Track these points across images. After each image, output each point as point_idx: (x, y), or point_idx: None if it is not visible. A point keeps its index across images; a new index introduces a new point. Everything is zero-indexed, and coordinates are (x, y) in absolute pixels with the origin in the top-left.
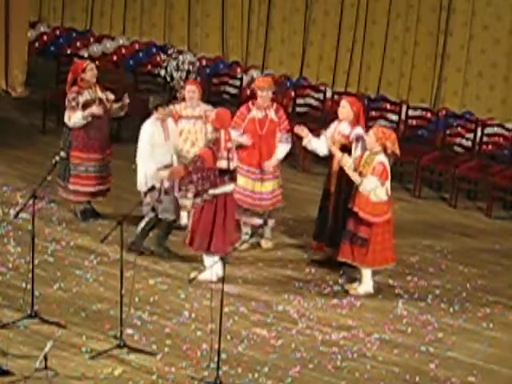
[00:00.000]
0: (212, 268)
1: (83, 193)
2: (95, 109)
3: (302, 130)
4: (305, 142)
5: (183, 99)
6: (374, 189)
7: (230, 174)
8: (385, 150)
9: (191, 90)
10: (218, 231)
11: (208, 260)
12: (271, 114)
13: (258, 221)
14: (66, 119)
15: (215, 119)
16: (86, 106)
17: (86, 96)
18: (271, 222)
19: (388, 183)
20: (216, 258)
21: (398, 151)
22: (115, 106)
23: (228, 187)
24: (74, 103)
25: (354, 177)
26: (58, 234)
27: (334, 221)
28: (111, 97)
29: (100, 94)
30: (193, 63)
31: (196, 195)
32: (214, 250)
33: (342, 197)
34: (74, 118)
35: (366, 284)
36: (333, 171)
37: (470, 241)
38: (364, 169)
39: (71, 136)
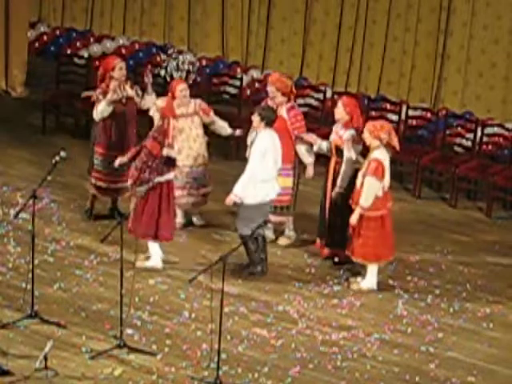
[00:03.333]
0: (157, 255)
1: (104, 189)
2: (110, 94)
3: (310, 137)
4: (315, 148)
5: (173, 98)
6: (377, 187)
7: (172, 162)
8: (382, 142)
9: (184, 89)
10: (164, 219)
11: (153, 247)
12: (282, 111)
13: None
14: (94, 114)
15: (166, 108)
16: (112, 103)
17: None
18: (274, 220)
19: (385, 181)
20: (157, 245)
21: (395, 143)
22: (147, 97)
23: (171, 175)
24: (100, 97)
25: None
26: (58, 234)
27: (331, 220)
28: (140, 92)
29: (130, 91)
30: (193, 63)
31: (140, 184)
32: (162, 238)
33: (339, 197)
34: (99, 107)
35: (369, 280)
36: (330, 171)
37: (470, 241)
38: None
39: (96, 131)
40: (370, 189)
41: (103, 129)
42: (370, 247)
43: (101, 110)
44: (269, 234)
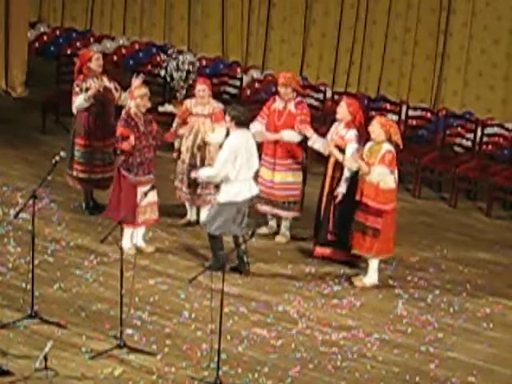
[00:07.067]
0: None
1: (86, 180)
2: (93, 86)
3: (307, 130)
4: (310, 143)
5: (194, 95)
6: (384, 177)
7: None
8: (389, 138)
9: (201, 89)
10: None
11: (128, 231)
12: (291, 106)
13: (266, 208)
14: (72, 107)
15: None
16: (90, 98)
17: (89, 83)
18: (286, 215)
19: (396, 171)
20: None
21: (400, 142)
22: (124, 94)
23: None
24: (77, 89)
25: (363, 167)
26: (58, 234)
27: (325, 221)
28: (118, 87)
29: (107, 83)
30: (193, 63)
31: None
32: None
33: (342, 197)
34: (77, 100)
35: (372, 276)
36: (328, 172)
37: (470, 241)
38: (371, 159)
39: (76, 123)
40: (380, 175)
41: (82, 120)
42: (384, 242)
43: (79, 104)
44: (272, 223)
